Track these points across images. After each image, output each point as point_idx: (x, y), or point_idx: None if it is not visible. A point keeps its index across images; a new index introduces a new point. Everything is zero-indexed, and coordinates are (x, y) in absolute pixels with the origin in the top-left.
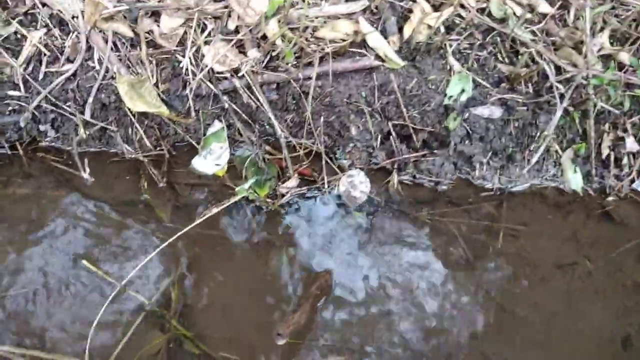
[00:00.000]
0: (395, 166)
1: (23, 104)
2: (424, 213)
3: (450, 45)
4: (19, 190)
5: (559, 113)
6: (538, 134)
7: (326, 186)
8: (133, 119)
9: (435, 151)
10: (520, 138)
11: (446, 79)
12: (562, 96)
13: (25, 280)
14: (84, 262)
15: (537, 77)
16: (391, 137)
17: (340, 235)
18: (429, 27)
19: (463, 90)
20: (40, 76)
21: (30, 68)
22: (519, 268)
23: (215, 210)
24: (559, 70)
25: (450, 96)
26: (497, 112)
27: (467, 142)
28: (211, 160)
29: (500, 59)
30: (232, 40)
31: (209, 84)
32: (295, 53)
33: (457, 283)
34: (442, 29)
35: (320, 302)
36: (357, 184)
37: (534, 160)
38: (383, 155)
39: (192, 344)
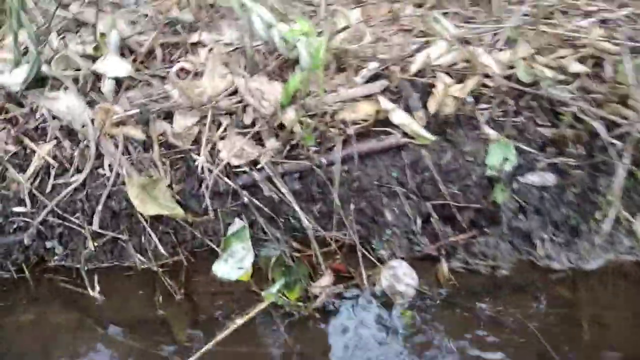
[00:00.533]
0: (443, 252)
1: (28, 220)
2: (486, 305)
3: (482, 114)
4: (22, 317)
5: (620, 173)
6: (601, 199)
7: (365, 282)
8: (146, 225)
9: (486, 230)
10: (582, 205)
11: (484, 149)
12: (620, 155)
13: None
14: None
15: (586, 137)
16: (432, 218)
17: (388, 341)
18: (455, 98)
19: (506, 159)
20: (48, 189)
21: (37, 182)
22: None
23: (239, 322)
24: (609, 126)
25: (492, 166)
26: (549, 178)
27: (521, 216)
28: (233, 263)
29: (540, 122)
30: (248, 132)
31: (226, 179)
32: (316, 138)
33: None
34: (470, 99)
35: None
36: (400, 276)
37: (603, 231)
38: (426, 240)
39: None
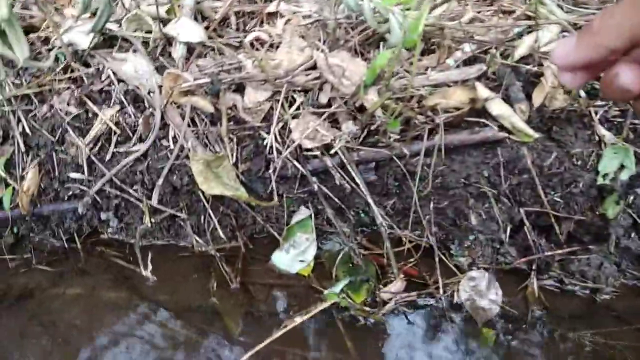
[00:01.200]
0: (534, 267)
1: (85, 188)
2: (582, 332)
3: (596, 112)
4: (70, 290)
5: None
6: None
7: (441, 292)
8: (207, 204)
9: (589, 247)
10: None
11: (596, 152)
12: None
13: None
14: None
15: None
16: (525, 227)
17: None
18: (566, 91)
19: (623, 166)
20: (108, 157)
21: (97, 148)
22: None
23: (298, 320)
24: None
25: (606, 174)
26: None
27: (633, 234)
28: (295, 255)
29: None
30: (324, 112)
31: (295, 163)
32: (399, 125)
33: None
34: (583, 94)
35: None
36: (483, 290)
37: None
38: (514, 251)
39: None
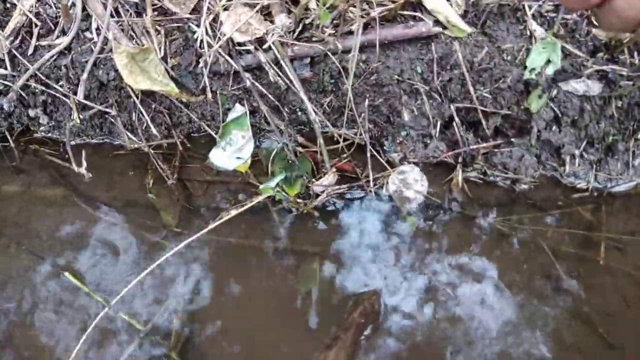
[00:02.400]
0: (460, 160)
1: (8, 83)
2: (499, 219)
3: (530, 7)
4: (6, 187)
5: None
6: None
7: (371, 185)
8: (137, 100)
9: (512, 140)
10: (624, 123)
11: (526, 47)
12: None
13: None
14: (67, 274)
15: None
16: (454, 123)
17: (389, 247)
18: None
19: (549, 61)
20: (30, 51)
21: (17, 41)
22: (627, 290)
23: (234, 212)
24: None
25: (532, 68)
26: (595, 87)
27: (554, 128)
28: (231, 152)
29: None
30: (256, 4)
31: (228, 58)
32: (333, 19)
33: (545, 306)
34: None
35: (365, 333)
36: (410, 182)
37: None
38: (443, 146)
39: None
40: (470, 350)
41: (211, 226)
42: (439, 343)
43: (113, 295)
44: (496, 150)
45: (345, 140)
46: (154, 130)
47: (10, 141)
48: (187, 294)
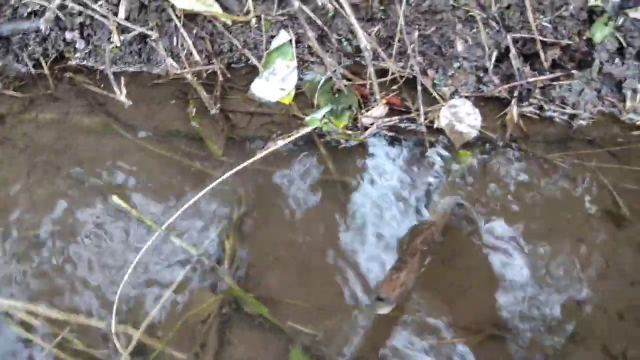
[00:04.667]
0: (515, 94)
1: (45, 3)
2: (555, 154)
3: None
4: (43, 115)
5: None
6: None
7: (422, 118)
8: (179, 24)
9: (571, 73)
10: None
11: None
12: None
13: (43, 220)
14: (115, 198)
15: None
16: (510, 54)
17: (441, 181)
18: None
19: None
20: None
21: None
22: None
23: (280, 142)
24: None
25: None
26: None
27: (617, 60)
28: (275, 83)
29: None
30: None
31: None
32: None
33: (606, 241)
34: None
35: (426, 262)
36: (463, 116)
37: None
38: (497, 79)
39: (252, 308)
40: (528, 285)
41: (259, 155)
42: (495, 276)
43: (160, 222)
44: (554, 83)
45: (392, 73)
46: (197, 56)
47: (45, 68)
48: (236, 221)
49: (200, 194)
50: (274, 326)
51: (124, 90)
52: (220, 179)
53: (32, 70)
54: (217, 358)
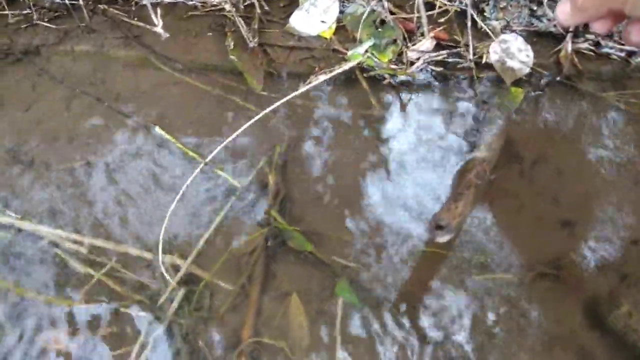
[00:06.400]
0: (571, 29)
1: None
2: (612, 93)
3: None
4: (78, 47)
5: None
6: None
7: (471, 53)
8: None
9: None
10: None
11: None
12: None
13: (85, 152)
14: (157, 129)
15: None
16: None
17: (492, 117)
18: None
19: None
20: None
21: None
22: None
23: (322, 77)
24: None
25: None
26: None
27: None
28: (316, 15)
29: None
30: None
31: None
32: None
33: None
34: None
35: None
36: (514, 51)
37: None
38: (551, 14)
39: (297, 243)
40: (579, 225)
41: (302, 89)
42: (547, 215)
43: (204, 154)
44: None
45: (439, 7)
46: None
47: None
48: (279, 155)
49: (244, 126)
50: (319, 260)
51: (160, 22)
52: (262, 113)
53: (67, 1)
54: (262, 289)
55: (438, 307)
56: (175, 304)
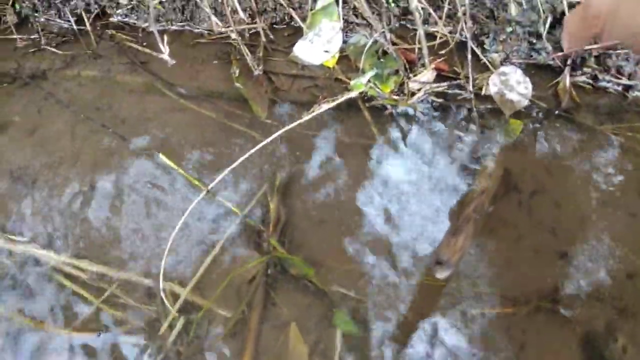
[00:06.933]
0: (569, 62)
1: None
2: (609, 126)
3: None
4: (85, 72)
5: None
6: None
7: (471, 84)
8: None
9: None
10: None
11: None
12: None
13: (89, 177)
14: (161, 156)
15: None
16: (565, 19)
17: (490, 149)
18: None
19: None
20: None
21: None
22: None
23: (325, 106)
24: None
25: None
26: None
27: None
28: (319, 45)
29: None
30: None
31: None
32: None
33: None
34: None
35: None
36: (513, 83)
37: None
38: (551, 46)
39: (297, 269)
40: (577, 258)
41: (305, 118)
42: (545, 246)
43: (206, 181)
44: (611, 52)
45: (441, 38)
46: (241, 14)
47: (87, 24)
48: (281, 183)
49: (247, 154)
50: (318, 289)
51: (167, 49)
52: (266, 141)
53: (74, 27)
54: (262, 318)
55: (434, 338)
56: (174, 332)
